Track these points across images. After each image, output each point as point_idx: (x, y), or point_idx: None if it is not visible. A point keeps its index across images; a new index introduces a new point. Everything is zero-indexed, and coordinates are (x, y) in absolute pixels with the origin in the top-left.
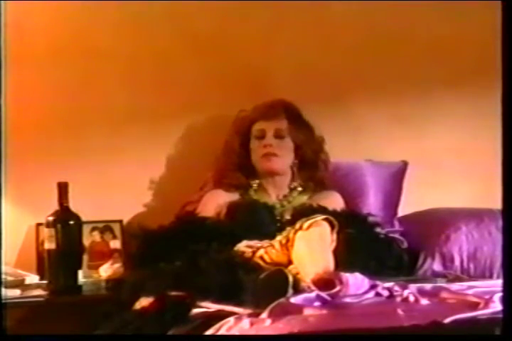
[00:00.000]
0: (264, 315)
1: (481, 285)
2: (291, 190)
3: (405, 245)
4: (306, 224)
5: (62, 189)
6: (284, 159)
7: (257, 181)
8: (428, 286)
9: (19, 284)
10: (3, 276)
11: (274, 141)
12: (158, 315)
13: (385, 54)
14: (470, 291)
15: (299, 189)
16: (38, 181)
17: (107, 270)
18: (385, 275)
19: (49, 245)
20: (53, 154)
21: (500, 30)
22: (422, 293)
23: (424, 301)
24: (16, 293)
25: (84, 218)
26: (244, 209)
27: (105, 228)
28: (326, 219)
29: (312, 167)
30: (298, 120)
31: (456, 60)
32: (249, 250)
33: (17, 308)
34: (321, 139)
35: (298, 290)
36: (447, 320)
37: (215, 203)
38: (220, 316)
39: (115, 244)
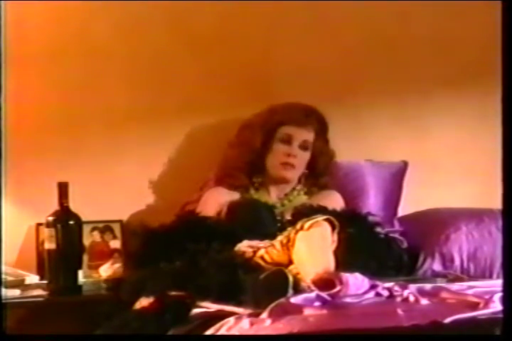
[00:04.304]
0: (264, 315)
1: (481, 285)
2: (293, 189)
3: (405, 245)
4: (307, 225)
5: (62, 189)
6: (298, 170)
7: (260, 180)
8: (428, 286)
9: (19, 284)
10: (3, 276)
11: (299, 152)
12: (158, 315)
13: (386, 54)
14: (470, 291)
15: (302, 191)
16: (38, 181)
17: (107, 270)
18: (385, 275)
19: (49, 245)
20: (53, 154)
21: (500, 30)
22: (422, 293)
23: (424, 301)
24: (15, 293)
25: (84, 218)
26: (245, 208)
27: (105, 228)
28: (326, 220)
29: (319, 176)
30: (323, 133)
31: (456, 60)
32: (251, 250)
33: (17, 308)
34: (333, 153)
35: (298, 290)
36: (447, 320)
37: (215, 201)
38: (220, 316)
39: (115, 244)
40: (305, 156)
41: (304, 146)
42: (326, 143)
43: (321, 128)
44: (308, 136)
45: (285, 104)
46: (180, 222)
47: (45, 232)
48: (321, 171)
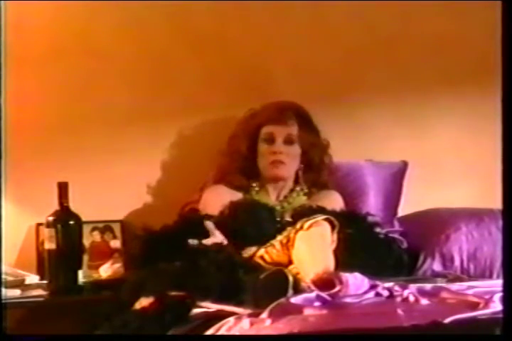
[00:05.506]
0: (264, 315)
1: (481, 285)
2: (292, 191)
3: (405, 245)
4: (306, 224)
5: (62, 189)
6: (290, 166)
7: (258, 183)
8: (428, 286)
9: (19, 284)
10: (3, 276)
11: (284, 148)
12: (158, 315)
13: (385, 54)
14: (470, 291)
15: (301, 193)
16: (38, 181)
17: (107, 270)
18: (385, 275)
19: (49, 245)
20: (53, 154)
21: (500, 30)
22: (422, 293)
23: (424, 301)
24: (16, 293)
25: (84, 218)
26: (245, 209)
27: (105, 228)
28: (326, 219)
29: (316, 171)
30: (308, 125)
31: (455, 59)
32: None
33: (17, 308)
34: (326, 142)
35: (298, 290)
36: (447, 320)
37: (217, 199)
38: (220, 316)
39: (115, 244)
40: (293, 150)
41: (289, 141)
42: (316, 135)
43: (303, 120)
44: (290, 129)
45: (263, 106)
46: (182, 221)
47: (45, 232)
48: (316, 164)
